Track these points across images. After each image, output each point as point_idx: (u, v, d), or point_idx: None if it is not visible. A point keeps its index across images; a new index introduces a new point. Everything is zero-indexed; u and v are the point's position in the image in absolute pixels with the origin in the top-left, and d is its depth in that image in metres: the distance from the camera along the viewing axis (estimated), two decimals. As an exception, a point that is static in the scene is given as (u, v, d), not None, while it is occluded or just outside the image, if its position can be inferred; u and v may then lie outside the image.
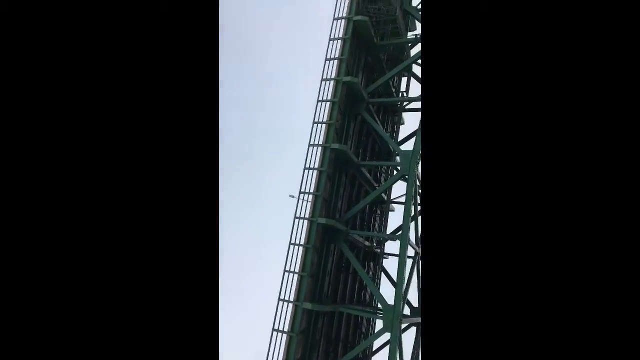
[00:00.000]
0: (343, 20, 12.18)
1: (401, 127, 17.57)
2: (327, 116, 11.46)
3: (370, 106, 13.37)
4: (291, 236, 10.50)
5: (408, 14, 14.03)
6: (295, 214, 10.67)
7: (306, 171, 10.95)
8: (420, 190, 13.44)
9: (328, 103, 11.52)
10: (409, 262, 11.42)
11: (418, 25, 16.65)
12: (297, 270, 10.25)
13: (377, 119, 14.25)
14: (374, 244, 14.98)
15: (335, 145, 11.08)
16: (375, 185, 14.33)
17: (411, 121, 17.59)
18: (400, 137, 16.74)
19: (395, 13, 12.61)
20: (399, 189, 15.29)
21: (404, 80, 17.53)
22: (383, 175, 15.61)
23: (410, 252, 11.20)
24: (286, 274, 10.27)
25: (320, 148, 11.12)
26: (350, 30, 12.08)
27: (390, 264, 15.16)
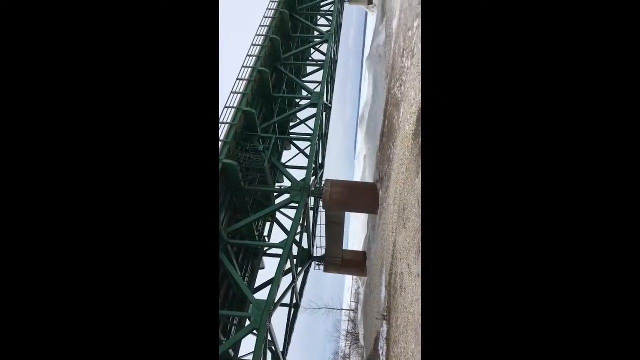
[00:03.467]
0: (212, 161, 12.38)
1: (260, 271, 16.99)
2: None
3: (229, 247, 12.72)
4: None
5: (275, 167, 15.27)
6: None
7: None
8: (272, 347, 12.15)
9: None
10: None
11: (285, 178, 18.14)
12: None
13: (235, 261, 13.48)
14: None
15: (180, 289, 9.57)
16: (223, 339, 12.49)
17: (271, 266, 17.27)
18: (257, 283, 15.94)
19: (264, 164, 13.51)
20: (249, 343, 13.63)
21: (268, 225, 17.88)
22: (234, 327, 13.92)
23: None
24: None
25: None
26: (218, 170, 12.21)
27: None
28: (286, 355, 13.99)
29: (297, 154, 18.93)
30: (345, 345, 27.13)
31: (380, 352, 11.48)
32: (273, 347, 12.12)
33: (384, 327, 11.12)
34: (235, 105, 14.07)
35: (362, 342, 21.23)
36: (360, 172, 34.14)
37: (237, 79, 15.10)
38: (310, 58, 22.82)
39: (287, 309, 14.65)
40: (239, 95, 14.45)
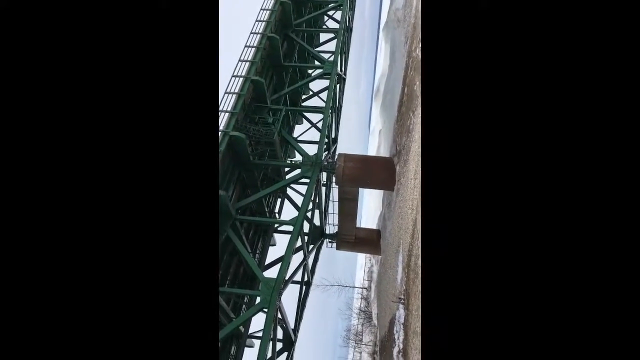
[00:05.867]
0: (220, 133, 11.71)
1: (272, 248, 16.63)
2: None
3: (239, 224, 12.24)
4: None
5: (286, 141, 14.54)
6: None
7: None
8: (283, 324, 11.85)
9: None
10: None
11: (297, 153, 17.43)
12: None
13: (244, 238, 13.04)
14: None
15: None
16: (233, 316, 12.21)
17: (282, 243, 16.83)
18: (269, 260, 15.59)
19: (274, 137, 12.80)
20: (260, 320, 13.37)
21: (279, 201, 17.38)
22: (245, 305, 13.65)
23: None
24: None
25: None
26: (225, 144, 11.56)
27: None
28: (298, 332, 13.74)
29: (309, 128, 18.14)
30: (357, 323, 27.05)
31: (396, 336, 11.00)
32: (284, 325, 11.81)
33: (402, 312, 10.57)
34: (243, 74, 13.24)
35: (375, 321, 20.97)
36: (375, 147, 33.15)
37: (246, 46, 14.19)
38: (324, 26, 21.55)
39: (298, 286, 14.30)
40: (248, 63, 13.59)
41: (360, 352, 26.43)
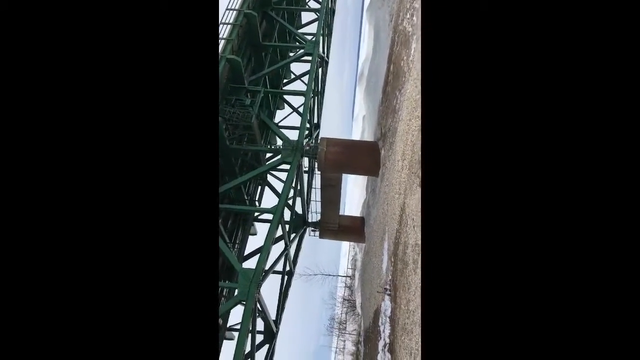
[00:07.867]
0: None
1: (253, 238, 16.02)
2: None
3: (215, 212, 11.54)
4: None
5: (265, 124, 13.80)
6: None
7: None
8: (264, 315, 11.34)
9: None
10: None
11: (277, 138, 16.72)
12: None
13: (222, 228, 12.37)
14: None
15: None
16: (209, 309, 11.60)
17: (263, 232, 16.21)
18: (248, 251, 14.98)
19: (251, 120, 12.05)
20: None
21: (259, 189, 16.70)
22: (224, 298, 13.06)
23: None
24: None
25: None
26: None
27: None
28: (279, 323, 13.31)
29: (290, 113, 17.44)
30: (341, 312, 26.86)
31: (381, 329, 10.61)
32: (265, 316, 11.31)
33: (388, 304, 10.15)
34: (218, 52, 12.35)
35: (359, 310, 20.73)
36: (358, 133, 32.62)
37: (221, 23, 13.25)
38: (307, 6, 20.65)
39: (280, 276, 13.78)
40: (223, 41, 12.69)
41: (344, 341, 26.33)
